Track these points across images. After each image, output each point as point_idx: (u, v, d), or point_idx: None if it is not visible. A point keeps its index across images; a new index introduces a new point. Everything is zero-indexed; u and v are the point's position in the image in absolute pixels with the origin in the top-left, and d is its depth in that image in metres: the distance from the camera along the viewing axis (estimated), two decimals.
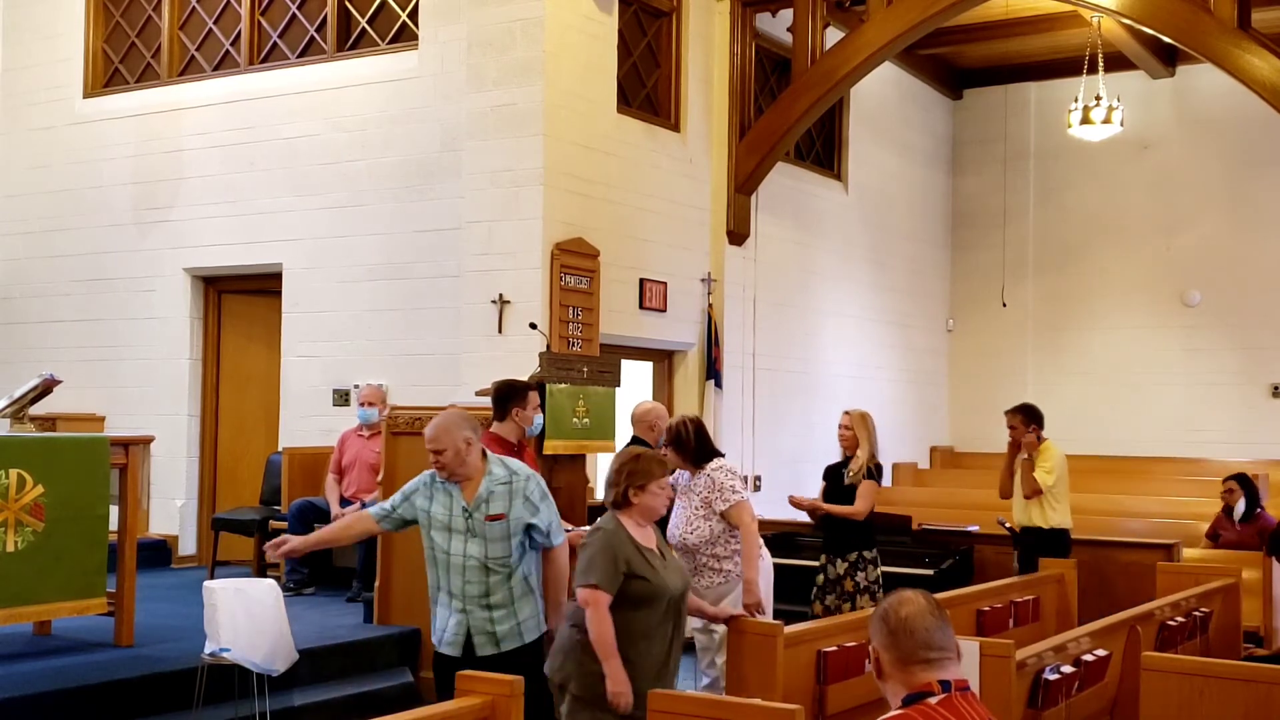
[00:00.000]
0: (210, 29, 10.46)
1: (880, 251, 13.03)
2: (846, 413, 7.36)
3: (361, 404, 8.61)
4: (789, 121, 10.36)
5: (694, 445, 5.95)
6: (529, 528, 4.74)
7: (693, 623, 6.27)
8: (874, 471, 7.19)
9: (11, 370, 10.30)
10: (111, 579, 6.33)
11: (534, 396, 6.11)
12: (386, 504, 4.94)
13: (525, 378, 6.65)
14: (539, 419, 6.28)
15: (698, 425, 6.03)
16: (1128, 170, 13.61)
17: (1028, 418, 7.87)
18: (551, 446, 6.83)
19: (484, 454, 4.80)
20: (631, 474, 4.59)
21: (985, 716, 2.83)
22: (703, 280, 10.24)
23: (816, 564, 7.34)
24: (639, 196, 9.53)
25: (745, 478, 10.72)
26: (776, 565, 9.52)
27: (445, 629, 4.76)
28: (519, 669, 4.59)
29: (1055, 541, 7.54)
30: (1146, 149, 13.52)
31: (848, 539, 7.13)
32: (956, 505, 11.23)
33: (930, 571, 8.17)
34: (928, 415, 14.03)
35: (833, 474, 7.36)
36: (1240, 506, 9.35)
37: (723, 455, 6.13)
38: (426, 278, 9.21)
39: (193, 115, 10.31)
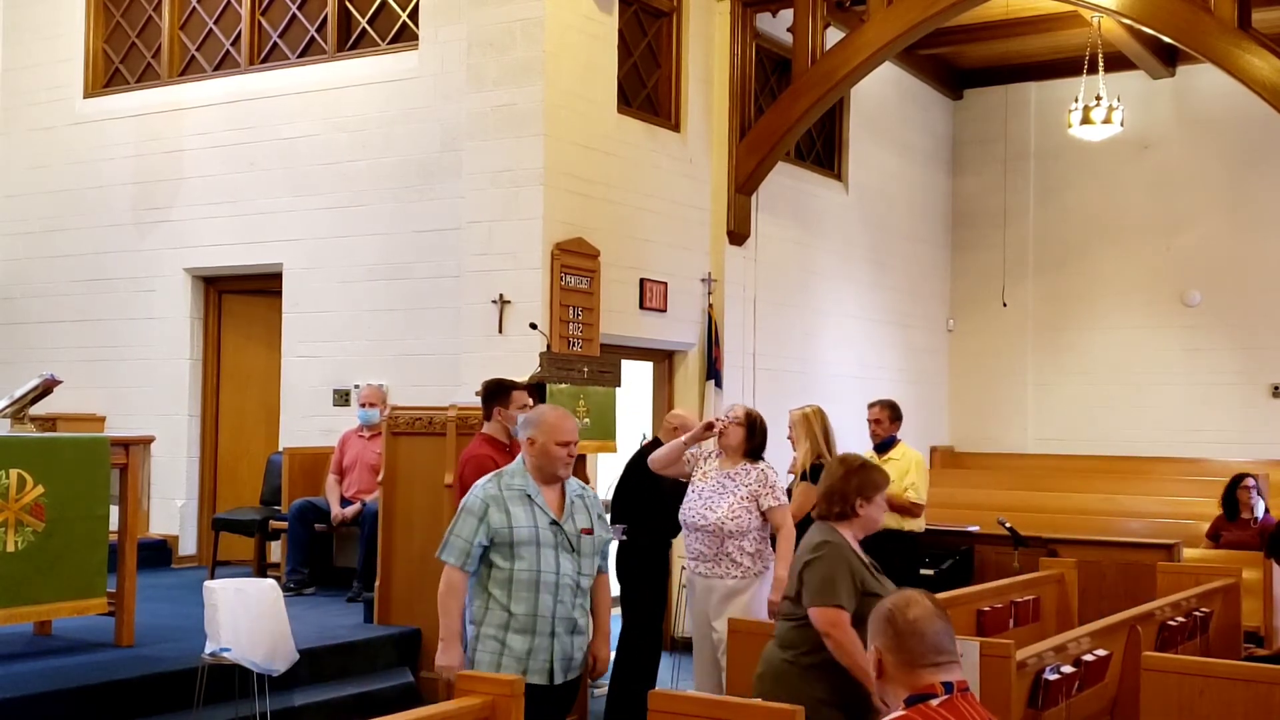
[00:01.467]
0: (210, 29, 10.46)
1: (880, 251, 13.03)
2: (790, 413, 7.00)
3: (362, 404, 8.62)
4: (789, 121, 10.36)
5: (760, 439, 5.97)
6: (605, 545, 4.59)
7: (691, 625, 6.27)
8: (815, 473, 6.46)
9: (12, 370, 10.30)
10: (112, 579, 6.33)
11: (519, 396, 6.06)
12: (456, 548, 4.36)
13: (525, 378, 6.65)
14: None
15: (763, 422, 6.04)
16: (1128, 170, 13.61)
17: (895, 413, 7.75)
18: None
19: None
20: (861, 485, 4.34)
21: (986, 718, 2.83)
22: (703, 280, 10.24)
23: None
24: (639, 196, 9.53)
25: None
26: None
27: (530, 655, 4.35)
28: (571, 699, 4.54)
29: (906, 544, 7.46)
30: (1146, 149, 13.52)
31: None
32: (956, 505, 11.23)
33: (930, 571, 8.18)
34: (928, 415, 14.02)
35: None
36: (1260, 506, 9.35)
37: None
38: (426, 278, 9.21)
39: (193, 115, 10.31)
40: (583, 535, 4.45)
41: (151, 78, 10.75)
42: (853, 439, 13.17)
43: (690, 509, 5.88)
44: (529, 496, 4.41)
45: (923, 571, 8.14)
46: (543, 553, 4.35)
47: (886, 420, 7.66)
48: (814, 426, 6.79)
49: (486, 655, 4.35)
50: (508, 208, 8.68)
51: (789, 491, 6.54)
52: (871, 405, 7.88)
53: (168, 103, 10.47)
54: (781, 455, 7.18)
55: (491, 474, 4.53)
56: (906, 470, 7.55)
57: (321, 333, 9.64)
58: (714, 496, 5.85)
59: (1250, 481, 9.42)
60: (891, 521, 7.15)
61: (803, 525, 6.23)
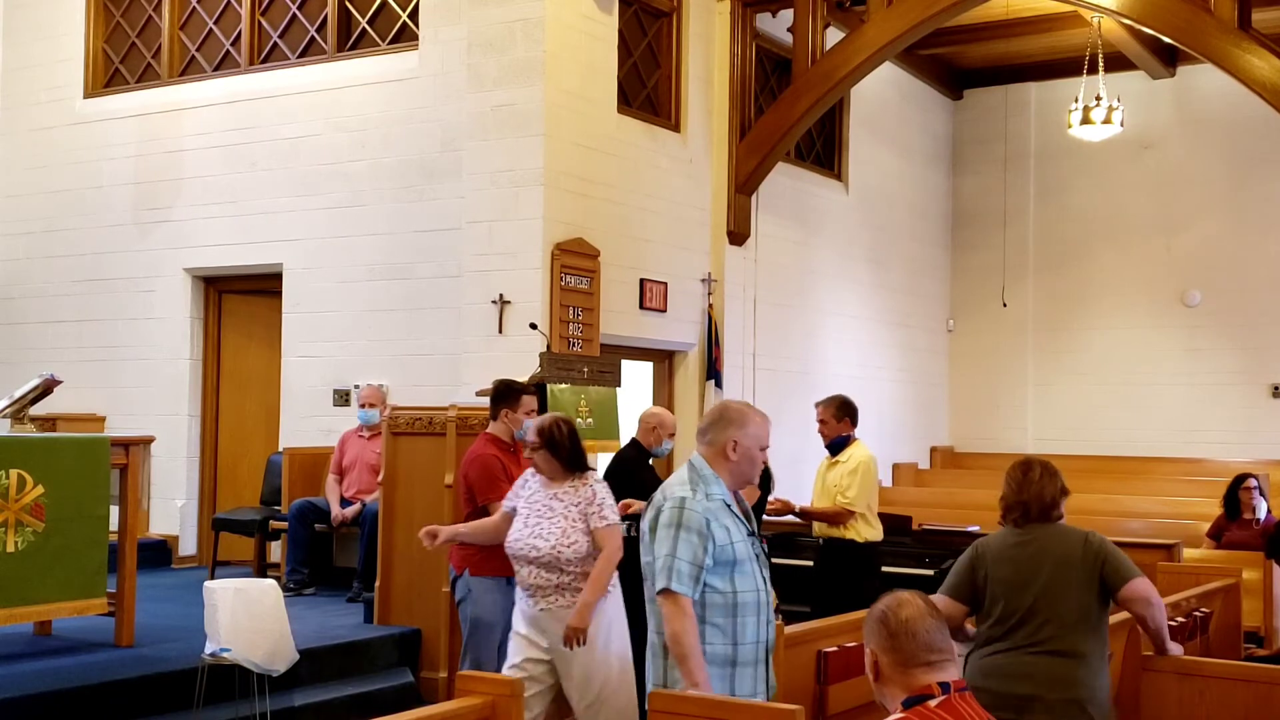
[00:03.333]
0: (210, 29, 10.46)
1: (880, 251, 13.03)
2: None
3: (361, 405, 8.62)
4: (789, 121, 10.36)
5: (569, 449, 5.19)
6: None
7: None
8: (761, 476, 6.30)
9: (12, 370, 10.30)
10: (112, 579, 6.33)
11: (528, 400, 5.98)
12: (686, 574, 3.78)
13: (525, 378, 6.65)
14: (528, 423, 6.08)
15: (572, 428, 5.29)
16: (1128, 170, 13.61)
17: (841, 411, 7.09)
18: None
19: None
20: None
21: (984, 718, 2.83)
22: (703, 280, 10.24)
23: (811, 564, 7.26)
24: (639, 196, 9.53)
25: None
26: (777, 565, 9.45)
27: (754, 692, 3.88)
28: None
29: (862, 556, 6.91)
30: (1147, 149, 13.52)
31: None
32: (956, 505, 11.23)
33: (930, 571, 8.17)
34: (928, 415, 14.03)
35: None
36: (1262, 507, 9.31)
37: (594, 469, 5.37)
38: (427, 278, 9.20)
39: (193, 115, 10.31)
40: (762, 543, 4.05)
41: (151, 78, 10.75)
42: None
43: (517, 540, 5.12)
44: (727, 505, 3.93)
45: (922, 571, 8.13)
46: (752, 569, 3.92)
47: (832, 420, 7.04)
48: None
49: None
50: (508, 208, 8.68)
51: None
52: (817, 404, 7.28)
53: (168, 103, 10.47)
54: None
55: (679, 482, 3.95)
56: (851, 471, 6.96)
57: (321, 333, 9.64)
58: (542, 522, 5.13)
59: (1252, 482, 9.37)
60: (831, 530, 6.91)
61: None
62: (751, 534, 3.96)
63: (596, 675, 5.07)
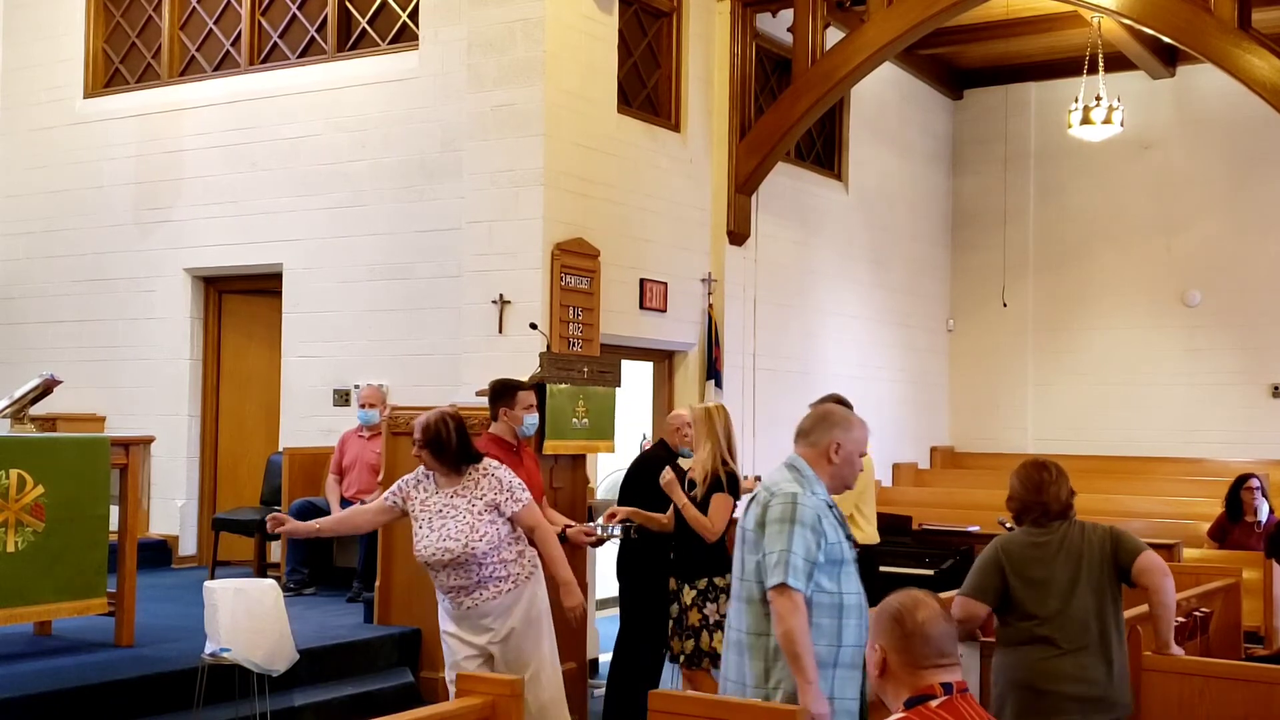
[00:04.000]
0: (210, 29, 10.46)
1: (880, 251, 13.03)
2: (690, 408, 6.29)
3: (361, 405, 8.62)
4: (789, 121, 10.36)
5: (456, 446, 5.05)
6: None
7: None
8: (726, 482, 5.94)
9: (11, 370, 10.30)
10: (112, 579, 6.33)
11: (524, 396, 5.98)
12: (800, 569, 3.70)
13: (525, 378, 6.65)
14: (530, 419, 6.05)
15: (459, 423, 5.12)
16: (1128, 170, 13.61)
17: None
18: (551, 447, 6.83)
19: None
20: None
21: (985, 718, 2.84)
22: (703, 280, 10.24)
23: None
24: (639, 196, 9.53)
25: (744, 476, 10.72)
26: None
27: (855, 696, 3.82)
28: None
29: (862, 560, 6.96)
30: (1147, 149, 13.52)
31: (697, 561, 5.98)
32: (956, 505, 11.24)
33: (930, 571, 8.18)
34: (928, 415, 14.03)
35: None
36: (1264, 509, 9.25)
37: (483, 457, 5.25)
38: (427, 278, 9.20)
39: (193, 115, 10.31)
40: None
41: (151, 78, 10.75)
42: None
43: (425, 546, 5.02)
44: (830, 507, 3.90)
45: (922, 571, 8.14)
46: (855, 572, 3.91)
47: None
48: (716, 425, 6.00)
49: (789, 685, 3.75)
50: (508, 208, 8.68)
51: (701, 501, 5.90)
52: (812, 405, 7.36)
53: (168, 103, 10.47)
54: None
55: (785, 480, 3.89)
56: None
57: (321, 333, 9.64)
58: (446, 523, 5.01)
59: (1254, 483, 9.26)
60: None
61: (719, 542, 5.88)
62: (849, 537, 3.91)
63: (536, 658, 5.17)
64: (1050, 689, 4.22)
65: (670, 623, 6.09)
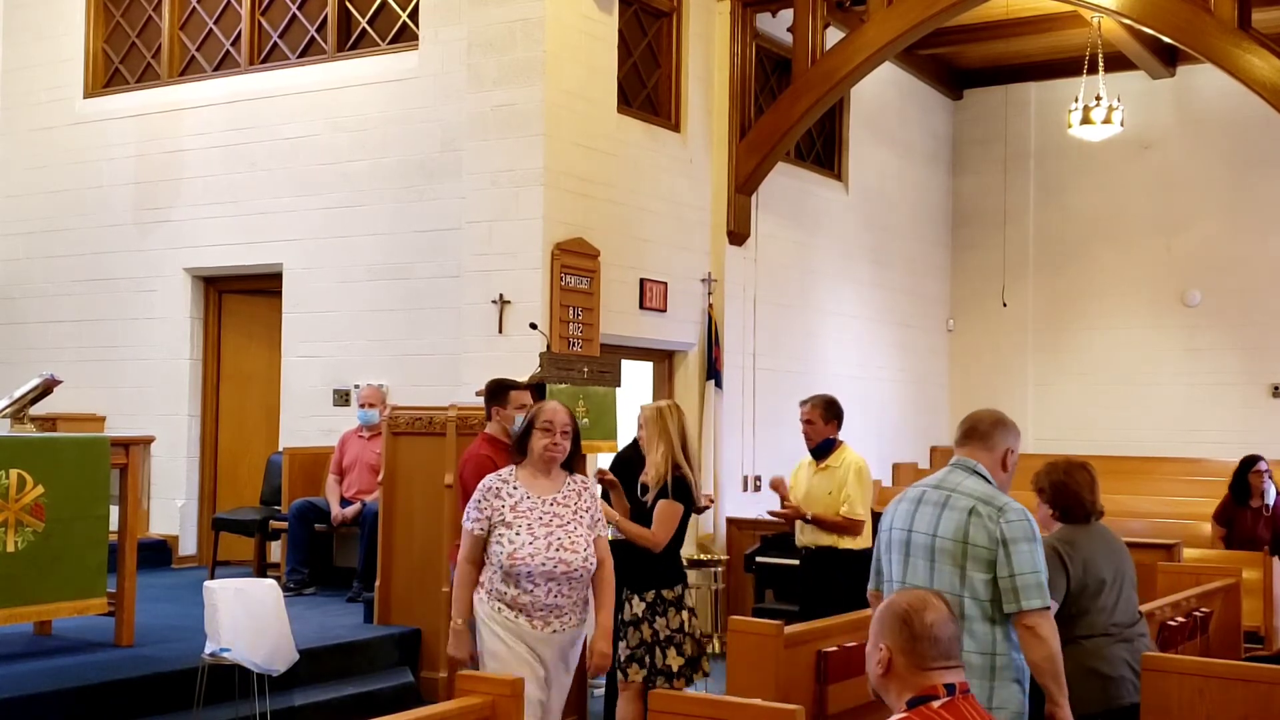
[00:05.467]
0: (210, 29, 10.46)
1: (880, 251, 13.03)
2: (641, 407, 5.84)
3: (361, 405, 8.62)
4: (789, 121, 10.36)
5: (574, 447, 4.72)
6: None
7: None
8: (678, 487, 5.56)
9: (11, 370, 10.30)
10: (112, 579, 6.33)
11: (516, 396, 5.93)
12: (1047, 584, 3.70)
13: (525, 378, 6.64)
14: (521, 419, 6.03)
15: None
16: (1128, 170, 13.61)
17: (828, 412, 6.77)
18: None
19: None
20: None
21: (986, 719, 2.84)
22: (703, 280, 10.24)
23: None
24: (639, 196, 9.53)
25: (745, 478, 10.74)
26: (767, 565, 9.41)
27: None
28: None
29: (852, 562, 6.56)
30: (1147, 149, 13.52)
31: (644, 570, 5.60)
32: None
33: None
34: (928, 415, 14.03)
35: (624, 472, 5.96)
36: (1271, 493, 9.17)
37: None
38: (426, 278, 9.21)
39: (193, 115, 10.31)
40: None
41: (151, 78, 10.75)
42: (849, 443, 13.15)
43: (534, 554, 4.46)
44: None
45: None
46: None
47: (819, 420, 6.71)
48: (669, 425, 5.59)
49: (1014, 706, 3.72)
50: (508, 208, 8.68)
51: (647, 508, 5.59)
52: (803, 404, 6.89)
53: (168, 103, 10.47)
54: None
55: (988, 489, 3.80)
56: (844, 481, 6.66)
57: (321, 333, 9.63)
58: (555, 532, 4.51)
59: (1264, 466, 9.16)
60: (826, 539, 6.70)
61: (667, 552, 5.57)
62: None
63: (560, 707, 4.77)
64: (1114, 674, 4.48)
65: (621, 629, 5.61)
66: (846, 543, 6.70)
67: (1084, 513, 4.67)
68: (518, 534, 4.50)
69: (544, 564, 4.47)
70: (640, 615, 5.59)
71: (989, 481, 3.82)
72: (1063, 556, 4.49)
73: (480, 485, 4.64)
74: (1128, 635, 4.58)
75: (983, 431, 3.91)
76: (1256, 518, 9.14)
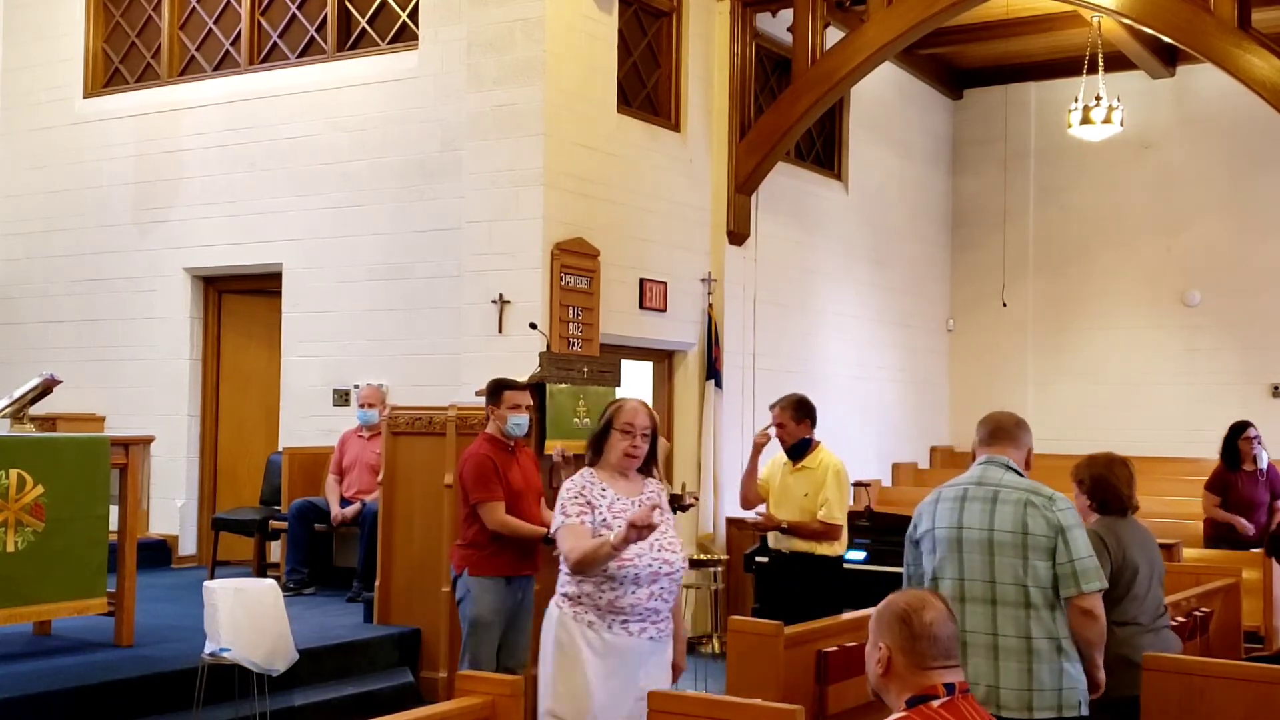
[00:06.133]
0: (210, 29, 10.46)
1: (880, 251, 13.03)
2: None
3: (361, 405, 8.62)
4: (789, 121, 10.35)
5: (653, 447, 4.50)
6: None
7: None
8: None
9: (11, 370, 10.30)
10: (111, 579, 6.33)
11: (511, 396, 5.90)
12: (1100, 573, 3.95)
13: (525, 378, 6.64)
14: (516, 419, 5.90)
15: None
16: (1128, 170, 13.61)
17: (799, 412, 6.60)
18: (551, 446, 6.81)
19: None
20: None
21: (986, 718, 2.84)
22: (703, 280, 10.24)
23: None
24: (639, 196, 9.53)
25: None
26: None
27: None
28: None
29: (827, 570, 6.48)
30: (1147, 149, 13.51)
31: None
32: None
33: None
34: (928, 415, 14.03)
35: None
36: (1264, 457, 9.16)
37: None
38: (426, 278, 9.20)
39: (193, 115, 10.31)
40: None
41: (151, 78, 10.75)
42: (849, 443, 13.15)
43: (640, 554, 4.19)
44: None
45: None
46: None
47: (790, 422, 6.54)
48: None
49: (1082, 682, 3.95)
50: (508, 208, 8.68)
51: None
52: (772, 406, 6.73)
53: (167, 103, 10.47)
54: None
55: (1029, 481, 4.00)
56: (821, 484, 6.46)
57: (321, 333, 9.63)
58: (655, 532, 4.19)
59: (1253, 432, 9.10)
60: (802, 545, 6.51)
61: None
62: None
63: None
64: (1140, 663, 4.55)
65: None
66: (824, 549, 6.52)
67: (1121, 506, 4.87)
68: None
69: (650, 564, 4.22)
70: None
71: (1022, 476, 4.04)
72: (1105, 542, 4.66)
73: (569, 487, 4.34)
74: (1155, 627, 4.76)
75: (1009, 431, 4.13)
76: (1252, 480, 9.10)
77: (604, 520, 4.23)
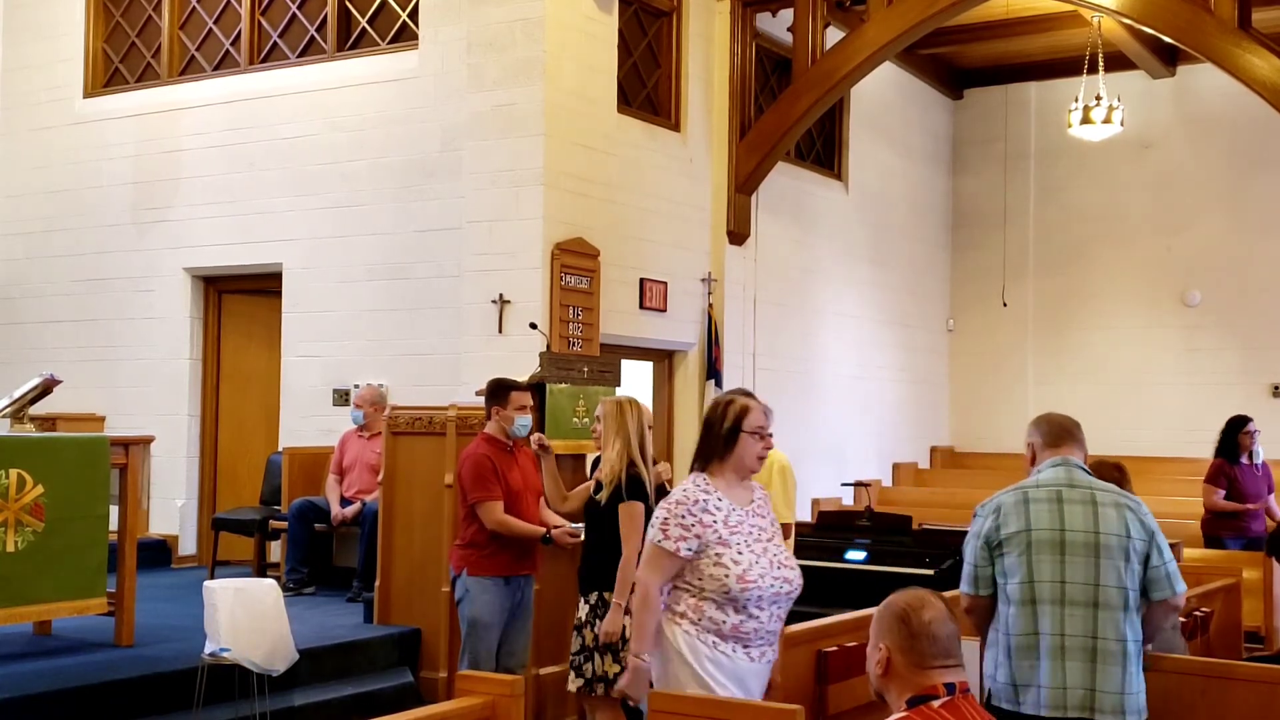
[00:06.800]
0: (210, 29, 10.46)
1: (880, 251, 13.03)
2: (602, 401, 5.51)
3: (354, 405, 8.63)
4: (789, 121, 10.36)
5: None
6: None
7: None
8: (632, 485, 5.22)
9: (11, 370, 10.29)
10: (111, 579, 6.32)
11: (517, 397, 5.89)
12: None
13: (525, 378, 6.64)
14: (520, 420, 5.90)
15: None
16: (1128, 170, 13.61)
17: None
18: (551, 447, 6.81)
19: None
20: None
21: (986, 718, 2.83)
22: (703, 280, 10.24)
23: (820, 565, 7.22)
24: (639, 196, 9.53)
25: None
26: None
27: None
28: None
29: None
30: (1147, 149, 13.52)
31: (587, 572, 5.39)
32: (956, 505, 11.22)
33: (930, 571, 8.16)
34: (928, 415, 14.03)
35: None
36: (1260, 453, 9.20)
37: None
38: (426, 278, 9.20)
39: (192, 115, 10.31)
40: None
41: (151, 78, 10.75)
42: (849, 443, 13.11)
43: (763, 574, 3.85)
44: None
45: (922, 571, 8.12)
46: None
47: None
48: (628, 421, 5.30)
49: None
50: (508, 208, 8.68)
51: (605, 507, 5.28)
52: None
53: (167, 103, 10.47)
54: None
55: (1105, 483, 4.01)
56: (766, 484, 5.93)
57: (321, 333, 9.63)
58: (769, 548, 3.92)
59: (1253, 427, 9.19)
60: None
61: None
62: None
63: None
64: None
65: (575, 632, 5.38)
66: None
67: None
68: (741, 553, 3.85)
69: (772, 585, 3.87)
70: (583, 619, 5.37)
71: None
72: None
73: (678, 499, 3.90)
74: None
75: (1072, 432, 4.08)
76: (1251, 474, 9.17)
77: (719, 538, 3.83)
